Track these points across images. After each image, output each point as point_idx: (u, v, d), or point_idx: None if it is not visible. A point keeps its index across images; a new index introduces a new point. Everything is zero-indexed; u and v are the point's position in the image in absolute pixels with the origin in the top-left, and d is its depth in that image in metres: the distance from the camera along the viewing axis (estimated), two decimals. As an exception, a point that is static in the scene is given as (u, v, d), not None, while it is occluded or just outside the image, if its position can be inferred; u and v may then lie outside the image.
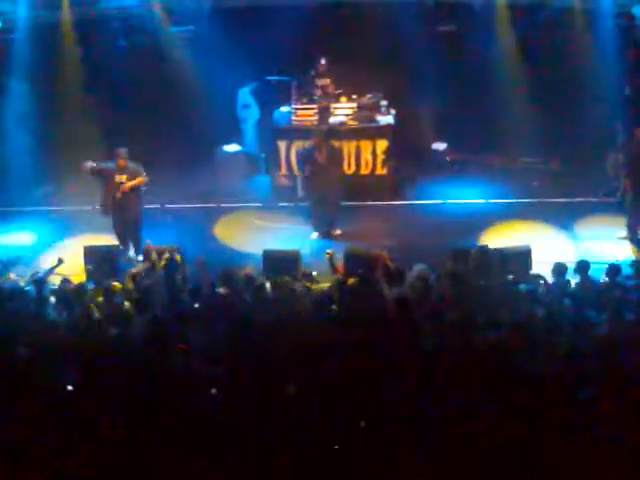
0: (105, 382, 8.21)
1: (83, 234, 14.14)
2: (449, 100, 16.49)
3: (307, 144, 14.97)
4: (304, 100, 16.38)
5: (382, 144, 15.90)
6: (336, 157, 14.79)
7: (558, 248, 13.17)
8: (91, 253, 12.76)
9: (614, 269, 10.74)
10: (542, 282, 10.83)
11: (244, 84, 17.40)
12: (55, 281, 11.39)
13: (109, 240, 13.57)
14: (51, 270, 11.79)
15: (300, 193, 14.65)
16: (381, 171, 15.99)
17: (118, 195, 13.44)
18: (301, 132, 15.82)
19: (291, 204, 15.42)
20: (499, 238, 13.52)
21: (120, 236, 13.69)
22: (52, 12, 15.92)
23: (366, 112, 16.22)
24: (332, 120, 16.00)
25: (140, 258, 12.98)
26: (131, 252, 13.68)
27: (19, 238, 14.68)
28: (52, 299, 10.67)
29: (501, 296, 10.32)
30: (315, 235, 14.46)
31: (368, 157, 15.93)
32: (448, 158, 17.14)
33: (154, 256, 11.63)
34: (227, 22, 16.27)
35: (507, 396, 7.46)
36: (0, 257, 12.96)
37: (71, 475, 6.94)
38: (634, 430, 7.12)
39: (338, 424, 7.32)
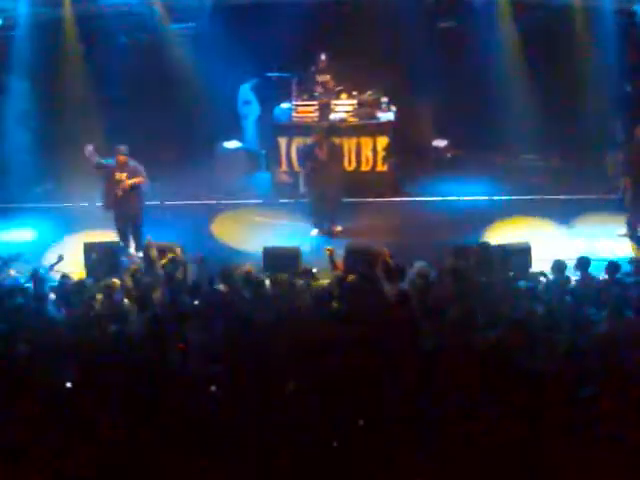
0: (104, 380, 8.22)
1: (83, 231, 14.12)
2: (449, 97, 16.48)
3: (308, 141, 14.97)
4: (304, 97, 16.37)
5: (382, 141, 15.89)
6: (337, 154, 14.77)
7: (558, 245, 13.16)
8: (91, 250, 12.76)
9: (613, 266, 10.74)
10: (543, 279, 10.82)
11: (245, 80, 17.37)
12: (55, 278, 11.38)
13: (109, 237, 13.56)
14: (51, 267, 11.79)
15: (302, 189, 14.62)
16: (381, 168, 15.99)
17: (119, 193, 13.43)
18: (301, 129, 15.80)
19: (291, 201, 15.40)
20: (499, 235, 13.52)
21: (121, 233, 13.69)
22: (53, 9, 15.89)
23: (366, 109, 16.21)
24: (332, 117, 15.98)
25: (140, 255, 12.98)
26: (131, 249, 13.67)
27: (19, 235, 14.67)
28: (52, 296, 10.68)
29: (502, 293, 10.32)
30: (315, 232, 14.46)
31: (368, 154, 15.92)
32: (449, 155, 17.13)
33: (154, 253, 11.63)
34: (228, 19, 16.24)
35: (507, 396, 7.45)
36: (0, 254, 12.95)
37: (71, 475, 6.94)
38: (635, 428, 7.12)
39: (338, 423, 7.32)
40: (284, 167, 16.06)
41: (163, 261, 11.42)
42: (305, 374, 8.11)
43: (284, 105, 16.58)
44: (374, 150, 15.90)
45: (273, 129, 16.41)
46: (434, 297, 9.99)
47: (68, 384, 8.24)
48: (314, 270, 11.44)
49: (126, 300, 10.49)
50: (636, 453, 6.88)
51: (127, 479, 6.97)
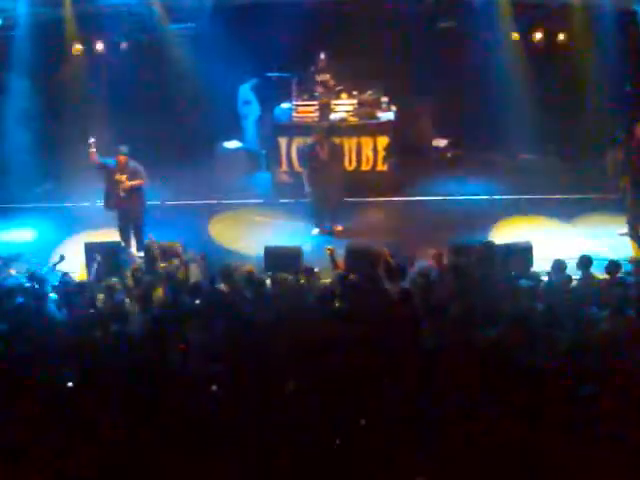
0: (105, 380, 8.22)
1: (84, 231, 14.13)
2: (449, 97, 16.48)
3: (308, 140, 14.97)
4: (305, 97, 16.38)
5: (383, 140, 15.89)
6: (337, 153, 14.77)
7: (559, 244, 13.15)
8: (92, 250, 12.75)
9: (614, 266, 10.73)
10: (544, 278, 10.82)
11: (245, 80, 17.38)
12: (56, 277, 11.38)
13: (110, 236, 13.56)
14: (52, 267, 11.80)
15: (306, 189, 14.56)
16: (382, 167, 16.00)
17: (121, 193, 13.45)
18: (302, 128, 15.81)
19: (292, 200, 15.40)
20: (500, 234, 13.52)
21: (122, 232, 13.70)
22: (53, 9, 15.88)
23: (367, 108, 16.22)
24: (333, 116, 15.99)
25: (141, 254, 12.99)
26: (132, 248, 13.68)
27: (20, 235, 14.68)
28: (53, 295, 10.69)
29: (503, 292, 10.32)
30: (316, 231, 14.46)
31: (369, 153, 15.93)
32: (449, 154, 17.13)
33: (155, 253, 11.62)
34: (228, 19, 16.22)
35: (507, 396, 7.45)
36: (1, 254, 12.96)
37: (72, 475, 6.94)
38: (635, 428, 7.12)
39: (339, 423, 7.32)
40: (284, 167, 16.07)
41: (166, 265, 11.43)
42: (306, 373, 8.12)
43: (284, 105, 16.58)
44: (374, 150, 15.90)
45: (273, 129, 16.42)
46: (435, 296, 9.99)
47: (69, 384, 8.25)
48: (315, 269, 11.45)
49: (127, 300, 10.49)
50: (636, 452, 6.88)
51: (128, 479, 6.98)
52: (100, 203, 13.90)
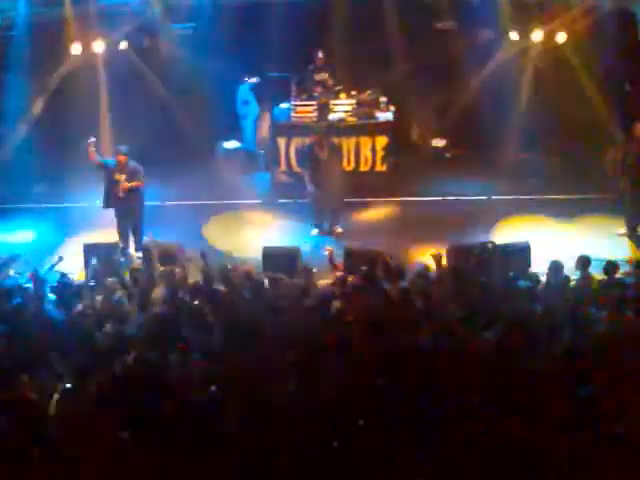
0: (104, 380, 8.23)
1: (83, 231, 14.12)
2: (449, 97, 16.49)
3: (307, 141, 14.97)
4: (303, 96, 16.38)
5: (381, 140, 15.89)
6: (337, 154, 14.77)
7: (558, 245, 13.14)
8: (91, 250, 12.74)
9: (612, 266, 10.72)
10: (543, 278, 10.82)
11: (244, 81, 17.37)
12: (55, 278, 11.38)
13: (109, 237, 13.56)
14: (51, 267, 11.79)
15: (308, 188, 14.50)
16: (381, 167, 15.99)
17: (120, 193, 13.45)
18: (300, 128, 15.82)
19: (291, 201, 15.40)
20: (499, 235, 13.52)
21: (121, 233, 13.70)
22: (53, 9, 15.87)
23: (365, 108, 16.21)
24: (331, 116, 15.98)
25: (140, 255, 12.99)
26: (131, 249, 13.68)
27: (19, 235, 14.67)
28: (51, 296, 10.69)
29: (501, 293, 10.32)
30: (315, 231, 14.45)
31: (367, 153, 15.92)
32: (448, 154, 17.14)
33: (155, 253, 11.62)
34: (228, 19, 16.23)
35: (507, 396, 7.45)
36: (1, 254, 12.95)
37: (72, 474, 6.95)
38: (635, 428, 7.12)
39: (338, 423, 7.32)
40: (283, 167, 16.06)
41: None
42: (306, 373, 8.12)
43: (283, 105, 16.58)
44: (373, 150, 15.90)
45: (272, 129, 16.42)
46: (434, 297, 9.99)
47: (67, 385, 8.25)
48: (314, 270, 11.45)
49: (126, 300, 10.48)
50: (636, 452, 6.88)
51: (128, 478, 6.98)
52: (99, 203, 13.89)
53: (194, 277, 11.28)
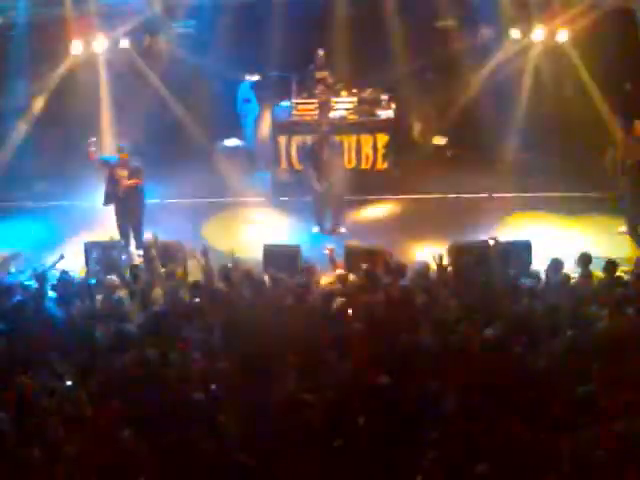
0: (104, 379, 8.24)
1: (84, 230, 14.11)
2: (449, 95, 16.48)
3: (308, 139, 14.97)
4: (304, 95, 16.37)
5: (382, 138, 15.86)
6: (338, 152, 14.76)
7: (558, 243, 13.14)
8: (92, 248, 12.75)
9: (613, 264, 10.72)
10: (543, 277, 10.82)
11: (244, 79, 17.36)
12: (56, 276, 11.38)
13: (110, 235, 13.54)
14: (52, 265, 11.79)
15: (315, 186, 14.45)
16: (381, 165, 15.97)
17: (121, 190, 13.45)
18: (301, 127, 15.81)
19: (291, 199, 15.39)
20: (500, 233, 13.51)
21: (121, 231, 13.70)
22: (53, 9, 15.86)
23: (366, 106, 16.19)
24: (332, 114, 15.97)
25: (141, 253, 13.00)
26: (132, 247, 13.68)
27: (19, 234, 14.66)
28: (52, 294, 10.69)
29: (502, 291, 10.31)
30: (316, 229, 14.45)
31: (368, 151, 15.90)
32: (449, 153, 17.13)
33: (155, 251, 11.62)
34: (228, 19, 16.22)
35: (507, 396, 7.46)
36: (1, 253, 12.96)
37: (72, 474, 6.96)
38: (635, 427, 7.12)
39: (338, 422, 7.33)
40: (284, 165, 16.05)
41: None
42: (307, 372, 8.13)
43: (284, 103, 16.57)
44: (374, 148, 15.88)
45: (273, 127, 16.41)
46: (435, 295, 9.99)
47: (68, 382, 8.27)
48: (317, 269, 11.42)
49: (126, 298, 10.49)
50: (636, 452, 6.88)
51: (128, 478, 6.99)
52: (100, 201, 13.89)
53: (194, 276, 11.29)
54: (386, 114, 16.15)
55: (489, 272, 10.80)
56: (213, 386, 8.08)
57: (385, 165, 15.95)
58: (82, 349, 9.01)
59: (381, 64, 16.40)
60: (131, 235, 13.75)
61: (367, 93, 16.39)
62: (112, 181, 13.52)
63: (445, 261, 11.00)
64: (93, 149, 13.42)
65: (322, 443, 7.10)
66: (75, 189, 15.30)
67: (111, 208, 13.73)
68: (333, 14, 16.50)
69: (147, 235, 12.95)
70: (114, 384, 8.19)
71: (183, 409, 7.58)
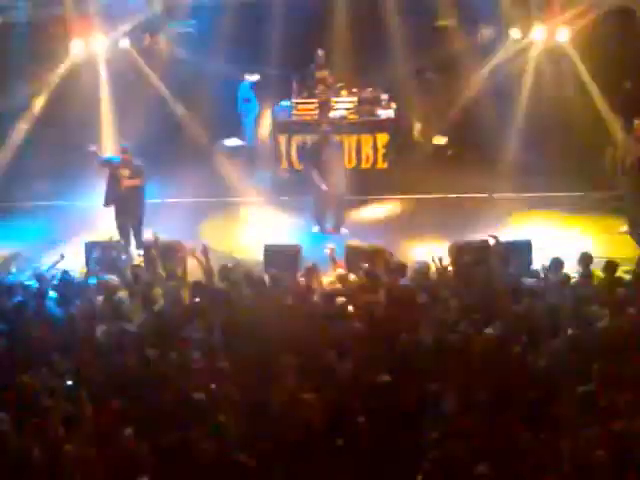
0: (104, 379, 8.23)
1: (84, 229, 14.11)
2: (449, 95, 16.48)
3: (309, 139, 14.96)
4: (304, 94, 16.37)
5: (383, 138, 15.87)
6: (339, 152, 14.75)
7: (559, 242, 13.13)
8: (92, 248, 12.74)
9: (612, 265, 10.71)
10: (543, 276, 10.81)
11: (245, 78, 17.36)
12: (56, 276, 11.37)
13: (110, 235, 13.54)
14: (52, 265, 11.78)
15: (322, 187, 14.41)
16: (382, 165, 15.97)
17: (122, 190, 13.46)
18: (301, 126, 15.81)
19: (292, 198, 15.38)
20: (500, 232, 13.49)
21: (122, 231, 13.70)
22: (53, 9, 15.85)
23: (366, 106, 16.19)
24: (332, 114, 15.97)
25: (141, 252, 12.99)
26: (132, 247, 13.67)
27: (19, 234, 14.66)
28: (52, 294, 10.69)
29: (502, 290, 10.31)
30: (317, 229, 14.44)
31: (369, 151, 15.91)
32: (449, 152, 17.12)
33: (156, 251, 11.61)
34: (227, 18, 16.21)
35: (507, 396, 7.46)
36: (1, 253, 12.95)
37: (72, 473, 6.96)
38: (635, 426, 7.12)
39: (339, 422, 7.33)
40: (284, 164, 16.05)
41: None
42: (307, 371, 8.13)
43: (284, 103, 16.57)
44: (374, 147, 15.88)
45: (273, 127, 16.41)
46: (435, 294, 9.99)
47: (68, 382, 8.27)
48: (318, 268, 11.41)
49: (127, 298, 10.48)
50: (636, 452, 6.88)
51: (128, 478, 6.98)
52: (100, 202, 13.89)
53: (194, 276, 11.28)
54: (386, 114, 16.16)
55: (489, 272, 10.80)
56: (213, 386, 8.08)
57: (385, 165, 15.95)
58: (82, 349, 9.01)
59: (381, 64, 16.41)
60: (131, 235, 13.75)
61: (367, 92, 16.40)
62: (113, 181, 13.52)
63: (445, 261, 11.00)
64: (94, 149, 13.43)
65: (322, 443, 7.10)
66: (75, 189, 15.29)
67: (111, 208, 13.73)
68: (333, 14, 16.50)
69: (147, 235, 12.93)
70: (114, 384, 8.19)
71: (183, 409, 7.59)
